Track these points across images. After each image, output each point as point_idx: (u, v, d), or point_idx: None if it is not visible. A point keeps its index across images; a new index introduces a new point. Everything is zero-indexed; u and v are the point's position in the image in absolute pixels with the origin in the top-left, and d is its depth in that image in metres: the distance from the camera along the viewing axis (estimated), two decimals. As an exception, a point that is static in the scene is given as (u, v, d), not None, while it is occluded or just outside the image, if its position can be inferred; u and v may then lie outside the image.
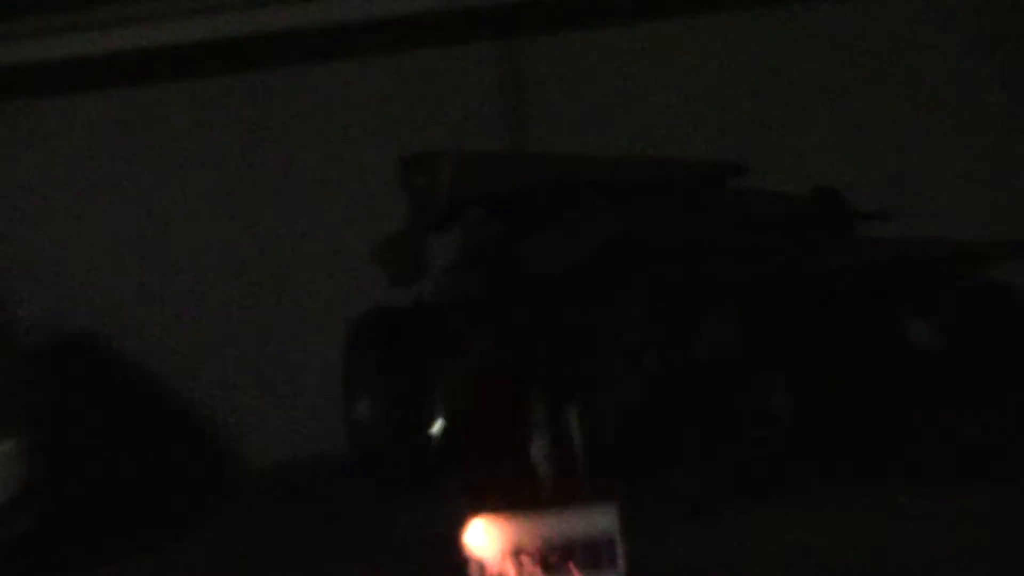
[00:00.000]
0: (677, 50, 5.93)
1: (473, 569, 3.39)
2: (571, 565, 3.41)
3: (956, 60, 5.94)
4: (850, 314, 4.55)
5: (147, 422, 5.31)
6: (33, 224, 5.96)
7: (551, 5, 5.76)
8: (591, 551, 3.71)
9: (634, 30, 5.87)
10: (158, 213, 5.90)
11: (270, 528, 5.38)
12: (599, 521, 3.70)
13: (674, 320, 4.83)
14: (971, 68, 5.89)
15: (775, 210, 4.91)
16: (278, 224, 5.85)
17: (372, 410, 5.01)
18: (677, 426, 5.04)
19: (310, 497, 5.42)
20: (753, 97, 5.95)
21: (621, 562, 3.62)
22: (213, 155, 5.94)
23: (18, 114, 6.04)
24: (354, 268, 5.16)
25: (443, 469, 4.94)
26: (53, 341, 5.05)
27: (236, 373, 5.43)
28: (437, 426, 4.83)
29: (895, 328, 4.57)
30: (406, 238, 5.01)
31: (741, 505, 4.59)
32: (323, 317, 5.31)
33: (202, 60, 6.02)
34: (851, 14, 6.02)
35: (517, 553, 3.58)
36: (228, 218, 5.89)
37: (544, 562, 3.52)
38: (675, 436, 4.98)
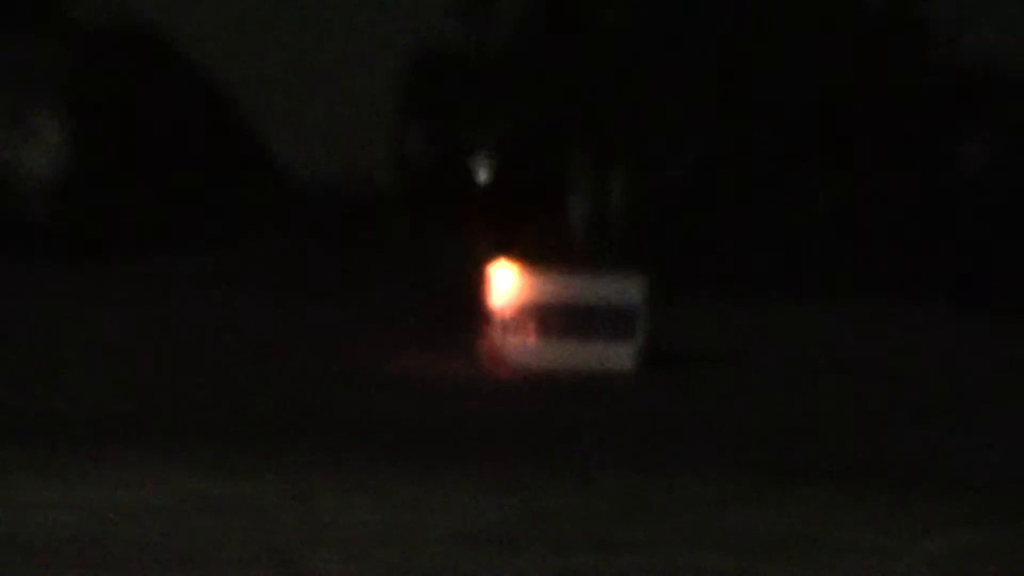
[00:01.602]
0: None
1: (497, 316, 3.54)
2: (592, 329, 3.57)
3: None
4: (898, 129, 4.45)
5: (196, 130, 5.38)
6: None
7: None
8: (613, 319, 3.85)
9: None
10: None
11: (310, 244, 5.59)
12: (625, 291, 3.80)
13: (724, 113, 4.73)
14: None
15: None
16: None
17: (422, 140, 5.11)
18: (713, 213, 5.04)
19: (350, 216, 5.66)
20: None
21: (640, 335, 3.76)
22: None
23: None
24: None
25: (482, 213, 5.02)
26: (119, 26, 5.04)
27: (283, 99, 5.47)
28: (484, 171, 4.88)
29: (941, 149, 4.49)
30: None
31: (765, 294, 4.71)
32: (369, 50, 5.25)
33: None
34: None
35: (541, 307, 3.71)
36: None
37: (566, 320, 3.68)
38: (711, 222, 4.99)
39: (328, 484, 7.96)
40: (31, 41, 26.57)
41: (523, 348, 12.87)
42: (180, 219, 28.80)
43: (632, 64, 21.84)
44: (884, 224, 25.70)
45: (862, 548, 6.35)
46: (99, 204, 27.98)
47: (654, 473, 9.39)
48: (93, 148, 28.50)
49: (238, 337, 18.70)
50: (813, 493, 8.66)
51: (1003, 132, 29.58)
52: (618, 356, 12.95)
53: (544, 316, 11.68)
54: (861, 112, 26.93)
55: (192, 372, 15.71)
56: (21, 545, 5.25)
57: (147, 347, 17.84)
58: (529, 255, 13.50)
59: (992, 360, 18.24)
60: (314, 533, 6.12)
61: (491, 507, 7.22)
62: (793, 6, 29.35)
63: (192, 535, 5.95)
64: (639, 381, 13.48)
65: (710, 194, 21.29)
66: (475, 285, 13.85)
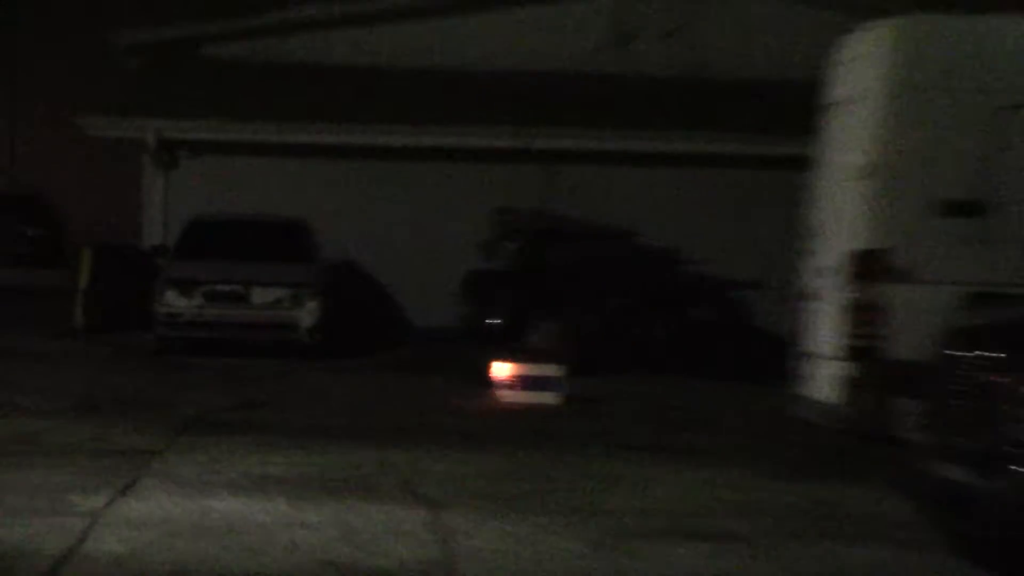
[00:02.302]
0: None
1: (496, 380, 9.67)
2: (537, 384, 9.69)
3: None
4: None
5: (366, 298, 12.48)
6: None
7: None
8: (547, 382, 9.98)
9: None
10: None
11: (421, 355, 11.95)
12: (554, 369, 10.04)
13: (602, 293, 11.39)
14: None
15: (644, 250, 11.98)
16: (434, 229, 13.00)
17: (472, 310, 11.91)
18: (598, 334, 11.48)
19: (441, 342, 12.19)
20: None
21: (562, 389, 9.80)
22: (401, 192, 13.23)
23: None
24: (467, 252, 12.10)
25: (496, 340, 11.32)
26: (339, 261, 12.13)
27: (410, 290, 12.78)
28: (497, 321, 11.34)
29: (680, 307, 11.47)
30: (495, 241, 11.96)
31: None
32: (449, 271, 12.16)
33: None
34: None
35: (511, 377, 9.88)
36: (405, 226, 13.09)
37: (521, 382, 9.77)
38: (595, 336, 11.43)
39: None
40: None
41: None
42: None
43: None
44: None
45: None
46: None
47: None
48: None
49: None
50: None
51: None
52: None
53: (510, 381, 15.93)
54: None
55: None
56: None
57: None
58: (517, 356, 19.64)
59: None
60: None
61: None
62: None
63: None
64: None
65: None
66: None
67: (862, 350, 7.12)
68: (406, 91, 13.30)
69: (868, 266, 7.12)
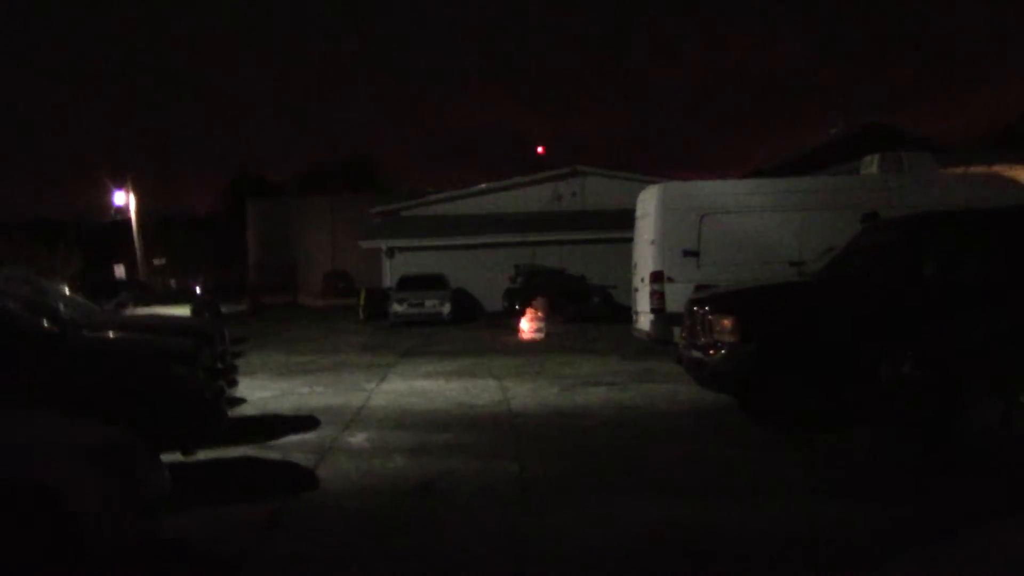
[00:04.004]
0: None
1: (519, 328, 26.46)
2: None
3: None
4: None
5: (468, 300, 30.78)
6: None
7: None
8: (538, 328, 26.98)
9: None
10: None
11: (489, 322, 29.63)
12: (541, 322, 27.21)
13: (556, 291, 29.12)
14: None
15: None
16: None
17: (508, 302, 29.87)
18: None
19: (496, 316, 29.78)
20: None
21: (543, 331, 26.47)
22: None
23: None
24: (504, 281, 30.43)
25: (517, 312, 28.78)
26: (456, 288, 30.61)
27: (485, 296, 31.44)
28: (516, 306, 29.27)
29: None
30: (514, 277, 30.11)
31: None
32: (498, 289, 30.32)
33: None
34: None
35: (525, 326, 27.03)
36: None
37: (528, 328, 26.71)
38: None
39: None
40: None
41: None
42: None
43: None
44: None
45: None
46: None
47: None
48: None
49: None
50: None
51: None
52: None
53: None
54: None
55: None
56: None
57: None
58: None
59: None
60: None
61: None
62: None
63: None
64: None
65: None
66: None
67: (657, 310, 14.01)
68: (482, 222, 32.25)
69: (656, 276, 14.14)
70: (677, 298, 13.35)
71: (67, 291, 16.57)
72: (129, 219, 42.98)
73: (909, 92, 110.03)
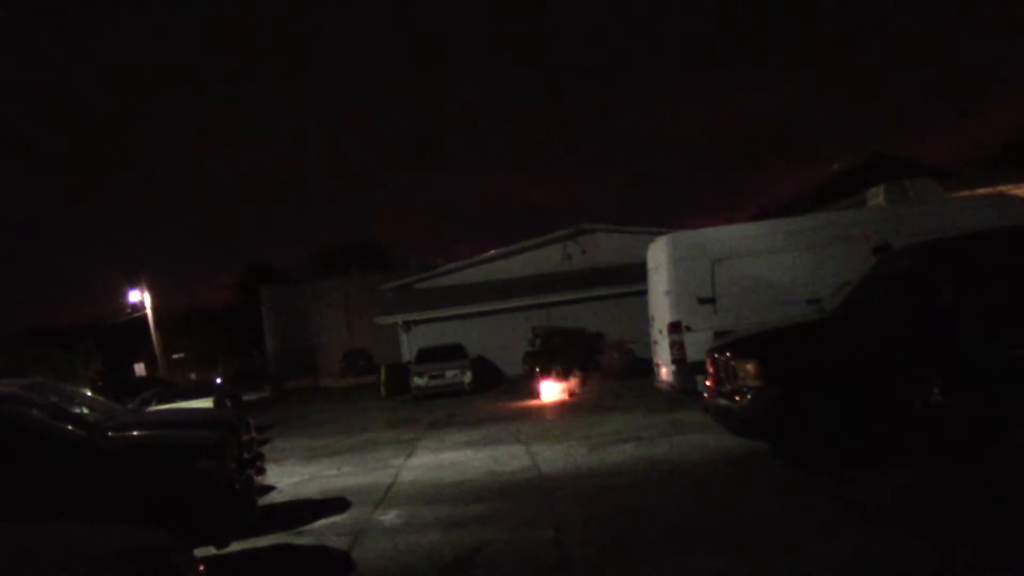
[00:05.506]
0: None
1: (540, 391, 26.26)
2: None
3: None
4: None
5: (487, 367, 30.52)
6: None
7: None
8: (559, 390, 26.78)
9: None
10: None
11: (510, 388, 29.40)
12: (562, 385, 27.02)
13: (574, 351, 28.99)
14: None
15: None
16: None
17: (528, 366, 29.75)
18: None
19: (517, 381, 29.71)
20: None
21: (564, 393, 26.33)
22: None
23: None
24: (523, 345, 30.34)
25: (538, 376, 28.61)
26: (475, 356, 30.44)
27: (504, 362, 31.14)
28: (537, 368, 29.12)
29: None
30: (532, 339, 30.00)
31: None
32: (517, 352, 30.18)
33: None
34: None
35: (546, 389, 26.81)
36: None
37: (549, 390, 26.42)
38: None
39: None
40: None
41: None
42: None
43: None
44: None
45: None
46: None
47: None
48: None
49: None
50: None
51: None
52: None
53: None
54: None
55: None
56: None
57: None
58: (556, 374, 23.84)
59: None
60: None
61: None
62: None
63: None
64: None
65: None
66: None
67: (678, 360, 13.93)
68: (494, 288, 32.26)
69: (674, 327, 14.04)
70: (697, 346, 13.27)
71: (90, 393, 16.64)
72: (145, 316, 43.47)
73: (909, 119, 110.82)
